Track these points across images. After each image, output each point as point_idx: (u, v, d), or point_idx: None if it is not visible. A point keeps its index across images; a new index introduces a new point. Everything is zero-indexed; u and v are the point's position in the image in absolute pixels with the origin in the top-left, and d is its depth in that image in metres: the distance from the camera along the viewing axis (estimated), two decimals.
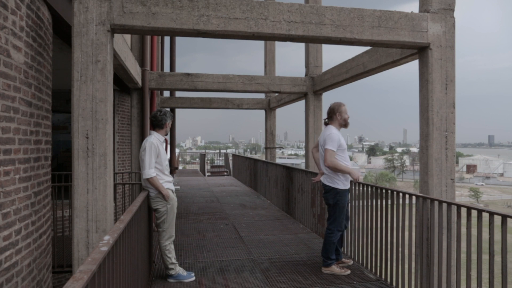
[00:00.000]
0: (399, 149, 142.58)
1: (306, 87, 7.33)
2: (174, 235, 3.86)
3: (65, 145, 8.64)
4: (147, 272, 3.66)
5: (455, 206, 3.08)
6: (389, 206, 3.86)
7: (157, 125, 3.86)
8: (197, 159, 32.05)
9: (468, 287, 2.88)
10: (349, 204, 4.32)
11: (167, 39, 11.99)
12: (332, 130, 3.99)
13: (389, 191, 3.90)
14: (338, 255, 4.23)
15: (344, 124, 4.05)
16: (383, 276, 3.92)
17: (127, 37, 6.24)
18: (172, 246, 3.83)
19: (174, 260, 3.83)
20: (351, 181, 4.27)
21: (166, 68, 11.92)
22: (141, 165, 3.73)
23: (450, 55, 3.80)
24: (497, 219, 2.66)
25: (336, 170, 3.93)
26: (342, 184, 4.00)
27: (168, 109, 5.05)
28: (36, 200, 3.03)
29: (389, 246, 3.82)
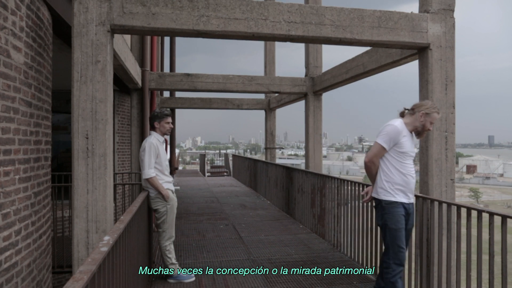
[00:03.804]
0: None
1: (306, 87, 7.33)
2: (174, 236, 3.87)
3: (65, 145, 8.63)
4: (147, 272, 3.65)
5: (455, 207, 3.08)
6: None
7: (151, 125, 3.87)
8: (197, 160, 32.02)
9: (468, 287, 2.88)
10: (411, 228, 3.09)
11: (167, 39, 11.99)
12: (395, 122, 2.91)
13: None
14: None
15: (417, 133, 2.98)
16: None
17: (127, 37, 6.24)
18: (172, 247, 3.84)
19: (174, 261, 3.83)
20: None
21: (166, 69, 11.92)
22: (140, 165, 3.73)
23: (450, 56, 3.80)
24: (497, 220, 2.66)
25: (368, 172, 2.99)
26: (394, 194, 2.88)
27: (168, 109, 5.04)
28: (36, 201, 3.03)
29: None
